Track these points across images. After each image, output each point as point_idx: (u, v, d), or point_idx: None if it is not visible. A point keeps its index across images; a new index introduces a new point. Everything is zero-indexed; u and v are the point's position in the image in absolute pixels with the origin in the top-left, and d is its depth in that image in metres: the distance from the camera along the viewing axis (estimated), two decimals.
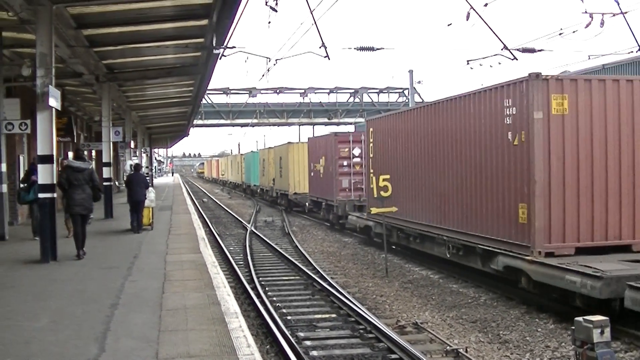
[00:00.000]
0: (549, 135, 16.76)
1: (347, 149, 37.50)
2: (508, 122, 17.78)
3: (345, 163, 37.47)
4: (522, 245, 17.13)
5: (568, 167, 16.91)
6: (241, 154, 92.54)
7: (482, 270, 19.83)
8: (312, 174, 43.92)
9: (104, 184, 31.32)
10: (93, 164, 20.79)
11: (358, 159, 37.19)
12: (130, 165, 28.32)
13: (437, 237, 22.55)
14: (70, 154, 34.94)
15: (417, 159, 24.41)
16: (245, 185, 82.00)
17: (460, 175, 20.78)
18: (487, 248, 18.92)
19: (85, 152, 37.84)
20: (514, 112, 17.50)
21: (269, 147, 64.49)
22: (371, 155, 29.90)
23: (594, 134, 17.07)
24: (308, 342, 14.23)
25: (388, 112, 30.91)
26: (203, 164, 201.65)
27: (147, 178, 32.70)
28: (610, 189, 17.14)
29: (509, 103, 17.74)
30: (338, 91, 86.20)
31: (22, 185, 23.18)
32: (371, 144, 29.95)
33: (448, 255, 21.75)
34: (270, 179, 59.44)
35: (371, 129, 29.90)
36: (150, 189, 26.99)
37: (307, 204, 45.73)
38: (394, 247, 27.65)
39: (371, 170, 29.37)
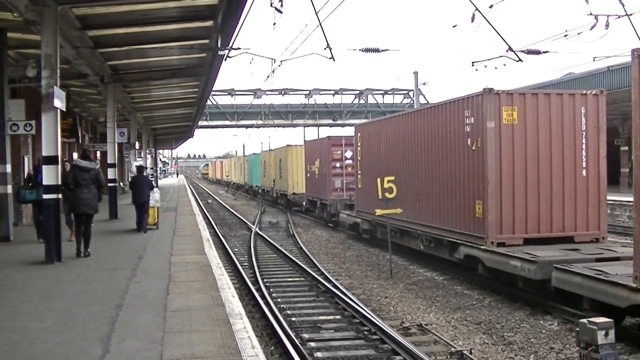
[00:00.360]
0: (500, 141, 19.40)
1: (339, 152, 39.66)
2: (467, 130, 20.50)
3: (338, 165, 39.70)
4: (479, 237, 19.85)
5: (517, 169, 19.55)
6: (244, 156, 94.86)
7: (450, 260, 22.22)
8: (308, 175, 46.44)
9: (109, 185, 31.37)
10: (99, 165, 20.94)
11: (350, 161, 38.58)
12: (138, 167, 28.64)
13: (413, 231, 25.22)
14: (75, 155, 35.11)
15: (396, 162, 27.03)
16: (247, 186, 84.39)
17: (430, 176, 23.51)
18: (452, 240, 21.63)
19: (98, 154, 38.07)
20: (472, 122, 20.23)
21: (270, 150, 66.54)
22: (359, 158, 32.66)
23: (540, 141, 19.72)
24: (312, 344, 14.22)
25: (373, 119, 34.84)
26: (208, 165, 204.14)
27: (152, 179, 32.99)
28: (554, 188, 19.77)
29: (468, 114, 20.48)
30: (343, 92, 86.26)
31: (23, 184, 22.97)
32: (359, 147, 32.61)
33: (422, 248, 24.50)
34: (271, 180, 61.84)
35: (359, 134, 32.79)
36: (156, 189, 27.59)
37: (304, 203, 47.87)
38: (372, 238, 30.79)
39: (359, 172, 32.56)
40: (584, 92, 19.43)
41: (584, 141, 19.68)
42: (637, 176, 13.11)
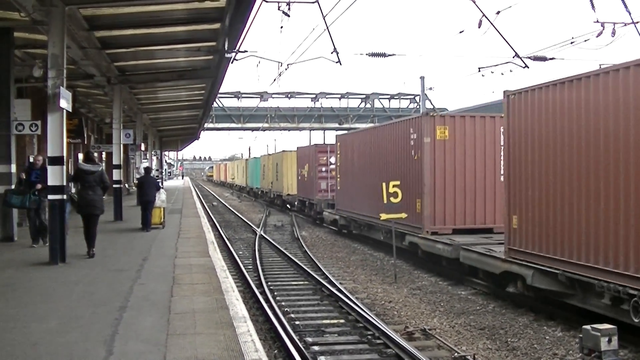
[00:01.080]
0: (434, 153, 24.87)
1: (325, 158, 45.29)
2: (412, 144, 26.24)
3: (323, 169, 45.39)
4: (418, 227, 25.36)
5: (448, 175, 24.92)
6: (246, 160, 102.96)
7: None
8: (299, 178, 52.04)
9: (114, 186, 31.37)
10: (103, 166, 21.20)
11: (333, 166, 42.07)
12: (145, 169, 30.76)
13: (375, 225, 30.17)
14: (81, 156, 35.15)
15: (364, 167, 33.12)
16: (249, 187, 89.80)
17: (388, 179, 27.04)
18: (401, 231, 26.38)
19: (96, 154, 38.08)
20: (415, 137, 25.96)
21: (268, 154, 73.10)
22: (338, 164, 38.74)
23: (467, 152, 24.96)
24: (316, 347, 14.21)
25: (350, 131, 43.74)
26: (212, 167, 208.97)
27: (158, 180, 33.62)
28: (477, 189, 24.95)
29: (412, 131, 26.27)
30: (349, 96, 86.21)
31: (14, 187, 21.45)
32: (339, 155, 38.64)
33: (382, 238, 29.84)
34: (269, 182, 67.79)
35: (339, 143, 38.82)
36: (162, 190, 28.49)
37: (295, 202, 53.76)
38: (352, 232, 36.06)
39: (338, 176, 38.63)
40: (502, 115, 20.85)
41: (502, 154, 21.70)
42: (506, 185, 19.48)
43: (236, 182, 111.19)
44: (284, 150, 59.19)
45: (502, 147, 21.12)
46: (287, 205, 57.64)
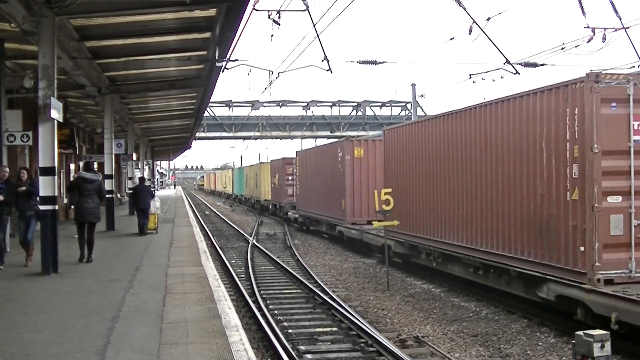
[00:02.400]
0: (353, 167, 34.53)
1: (291, 169, 52.11)
2: (339, 160, 35.52)
3: (289, 178, 52.65)
4: (342, 219, 34.91)
5: (363, 183, 34.40)
6: (231, 170, 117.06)
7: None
8: (272, 185, 60.48)
9: (107, 196, 31.31)
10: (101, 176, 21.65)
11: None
12: (139, 178, 34.12)
13: (321, 220, 40.53)
14: (72, 166, 35.24)
15: (313, 177, 43.07)
16: (234, 195, 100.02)
17: (326, 185, 38.82)
18: (333, 223, 37.06)
19: (96, 165, 38.41)
20: (341, 155, 35.17)
21: (250, 165, 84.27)
22: (297, 174, 48.59)
23: (377, 166, 33.12)
24: (309, 356, 14.22)
25: (305, 148, 52.88)
26: (203, 177, 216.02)
27: (152, 189, 37.95)
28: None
29: (339, 151, 35.63)
30: (341, 104, 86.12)
31: None
32: (297, 167, 48.61)
33: (324, 229, 40.42)
34: (250, 190, 78.47)
35: (298, 158, 49.08)
36: (156, 198, 31.25)
37: (270, 206, 62.57)
38: (309, 228, 45.01)
39: (298, 184, 48.43)
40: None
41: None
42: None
43: (224, 191, 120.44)
44: (261, 162, 70.28)
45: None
46: (265, 210, 66.71)
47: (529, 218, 17.29)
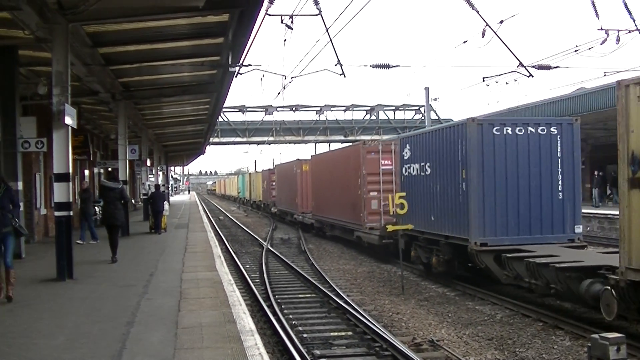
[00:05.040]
0: (302, 178, 49.88)
1: (274, 176, 67.22)
2: (295, 175, 52.04)
3: (273, 184, 67.34)
4: (298, 211, 50.38)
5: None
6: (236, 176, 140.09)
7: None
8: (262, 189, 78.42)
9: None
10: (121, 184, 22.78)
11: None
12: (155, 185, 39.10)
13: (288, 212, 55.88)
14: (90, 170, 35.40)
15: (283, 185, 59.70)
16: (239, 198, 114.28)
17: (291, 189, 53.83)
18: (294, 214, 52.08)
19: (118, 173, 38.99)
20: (295, 171, 52.13)
21: (249, 173, 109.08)
22: (273, 182, 66.92)
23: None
24: None
25: (281, 163, 75.20)
26: (215, 182, 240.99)
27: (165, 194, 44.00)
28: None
29: (295, 169, 52.02)
30: (354, 108, 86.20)
31: None
32: (274, 175, 67.41)
33: (290, 219, 54.74)
34: (250, 193, 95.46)
35: (276, 170, 67.49)
36: (166, 202, 35.87)
37: (261, 205, 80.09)
38: (284, 218, 60.51)
39: (275, 188, 66.04)
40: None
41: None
42: (312, 191, 50.09)
43: (231, 194, 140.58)
44: (257, 171, 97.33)
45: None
46: (259, 209, 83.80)
47: (349, 202, 35.77)
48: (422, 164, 24.84)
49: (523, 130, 21.01)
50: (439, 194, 23.39)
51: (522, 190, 20.99)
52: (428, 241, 24.70)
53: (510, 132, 20.94)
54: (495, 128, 20.86)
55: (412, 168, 26.02)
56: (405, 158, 26.69)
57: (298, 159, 52.77)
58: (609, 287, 14.64)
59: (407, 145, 26.51)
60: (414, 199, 24.83)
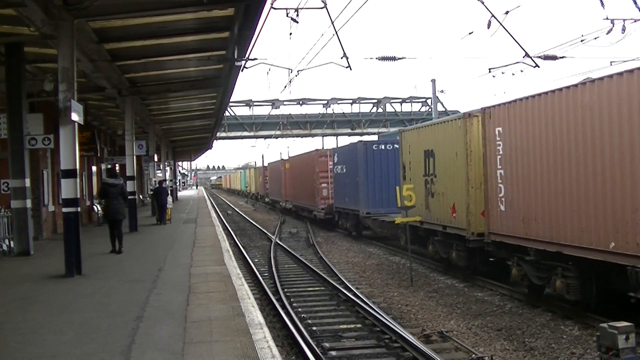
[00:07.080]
0: (285, 174, 61.91)
1: (266, 172, 79.38)
2: (280, 172, 65.33)
3: (267, 179, 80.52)
4: (282, 199, 65.14)
5: (292, 181, 58.76)
6: (238, 171, 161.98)
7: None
8: (258, 182, 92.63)
9: (129, 197, 31.36)
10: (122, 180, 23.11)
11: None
12: (159, 181, 41.42)
13: (278, 202, 67.53)
14: (98, 167, 35.69)
15: (274, 178, 71.02)
16: (242, 191, 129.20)
17: (278, 183, 67.36)
18: (281, 203, 65.60)
19: (117, 167, 39.54)
20: (281, 168, 65.03)
21: (248, 169, 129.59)
22: (267, 176, 78.19)
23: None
24: (333, 352, 14.22)
25: (274, 161, 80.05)
26: (219, 177, 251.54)
27: (170, 189, 50.93)
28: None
29: (281, 166, 64.95)
30: (361, 101, 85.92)
31: None
32: (267, 172, 78.56)
33: (287, 206, 61.64)
34: (249, 186, 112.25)
35: (268, 166, 79.67)
36: (169, 197, 39.45)
37: (257, 196, 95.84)
38: (275, 207, 72.87)
39: (268, 181, 79.07)
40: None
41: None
42: (289, 183, 66.69)
43: (236, 188, 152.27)
44: (255, 167, 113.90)
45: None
46: (257, 200, 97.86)
47: (310, 191, 47.67)
48: (342, 166, 41.24)
49: (391, 147, 35.33)
50: (348, 184, 38.96)
51: (385, 183, 34.78)
52: (346, 213, 39.93)
53: (382, 148, 36.17)
54: (374, 146, 36.65)
55: (337, 168, 42.66)
56: (335, 162, 43.17)
57: (282, 159, 68.37)
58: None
59: (336, 154, 43.68)
60: (338, 187, 42.70)
